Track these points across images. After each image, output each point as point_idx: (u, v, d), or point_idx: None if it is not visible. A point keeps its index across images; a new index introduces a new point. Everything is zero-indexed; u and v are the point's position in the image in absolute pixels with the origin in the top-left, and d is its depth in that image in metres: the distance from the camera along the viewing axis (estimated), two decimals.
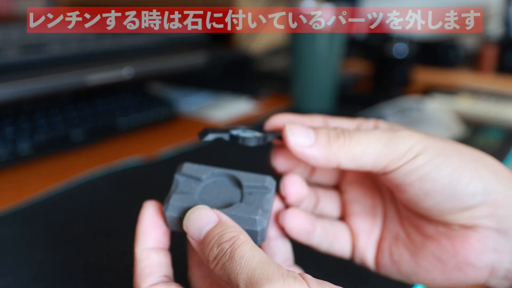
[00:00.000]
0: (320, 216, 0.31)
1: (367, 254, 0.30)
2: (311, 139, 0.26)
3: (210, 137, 0.27)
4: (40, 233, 0.37)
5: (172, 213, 0.25)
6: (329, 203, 0.31)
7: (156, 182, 0.46)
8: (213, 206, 0.25)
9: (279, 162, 0.30)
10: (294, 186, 0.28)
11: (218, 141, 0.28)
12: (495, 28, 1.11)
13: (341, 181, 0.32)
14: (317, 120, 0.29)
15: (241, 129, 0.28)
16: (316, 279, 0.21)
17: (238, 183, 0.26)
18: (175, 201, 0.25)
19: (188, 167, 0.26)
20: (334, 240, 0.30)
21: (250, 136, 0.28)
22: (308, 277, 0.21)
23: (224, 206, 0.25)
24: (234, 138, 0.27)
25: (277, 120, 0.29)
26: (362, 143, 0.26)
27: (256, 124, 0.66)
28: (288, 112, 0.30)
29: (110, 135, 0.60)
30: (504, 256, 0.26)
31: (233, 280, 0.21)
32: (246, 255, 0.21)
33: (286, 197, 0.28)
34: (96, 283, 0.32)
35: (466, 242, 0.26)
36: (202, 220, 0.23)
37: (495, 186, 0.25)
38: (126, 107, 0.63)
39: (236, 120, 0.70)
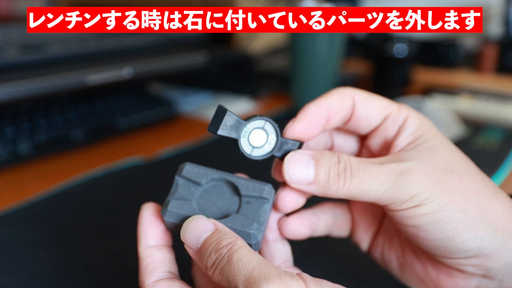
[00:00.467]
0: (324, 205, 0.31)
1: (362, 244, 0.31)
2: (311, 175, 0.26)
3: (220, 132, 0.26)
4: (40, 233, 0.37)
5: (170, 219, 0.25)
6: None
7: (156, 182, 0.46)
8: (210, 214, 0.25)
9: (278, 175, 0.28)
10: (289, 201, 0.28)
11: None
12: (495, 28, 1.11)
13: None
14: (343, 103, 0.28)
15: (259, 121, 0.27)
16: (314, 278, 0.21)
17: (237, 191, 0.26)
18: (173, 208, 0.25)
19: (189, 170, 0.26)
20: (334, 229, 0.31)
21: (256, 155, 0.27)
22: (306, 276, 0.21)
23: (222, 215, 0.26)
24: (241, 150, 0.27)
25: (296, 129, 0.27)
26: (363, 186, 0.25)
27: None
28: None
29: (110, 135, 0.60)
30: None
31: (231, 283, 0.21)
32: (243, 258, 0.21)
33: (282, 210, 0.28)
34: (96, 283, 0.32)
35: (450, 278, 0.27)
36: (199, 229, 0.24)
37: (490, 243, 0.25)
38: (126, 107, 0.63)
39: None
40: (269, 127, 0.27)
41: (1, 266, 0.33)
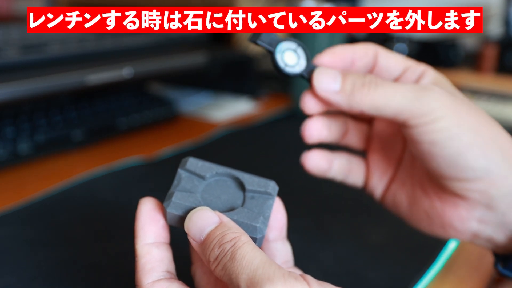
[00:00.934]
0: (345, 145, 0.34)
1: (376, 191, 0.34)
2: (337, 85, 0.28)
3: (260, 42, 0.29)
4: (40, 233, 0.37)
5: (173, 210, 0.25)
6: (356, 136, 0.34)
7: (156, 182, 0.46)
8: (214, 207, 0.25)
9: (309, 102, 0.31)
10: (314, 129, 0.31)
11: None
12: (495, 28, 1.11)
13: (374, 118, 0.34)
14: (366, 51, 0.31)
15: (293, 43, 0.30)
16: (317, 280, 0.21)
17: (241, 186, 0.26)
18: (178, 199, 0.25)
19: (193, 163, 0.26)
20: (349, 174, 0.34)
21: (288, 71, 0.30)
22: (309, 277, 0.21)
23: (226, 209, 0.25)
24: (276, 66, 0.30)
25: (324, 59, 0.31)
26: (387, 95, 0.27)
27: (256, 123, 0.66)
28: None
29: (110, 135, 0.60)
30: (488, 226, 0.28)
31: (234, 280, 0.21)
32: (247, 256, 0.21)
33: (305, 138, 0.32)
34: (96, 283, 0.32)
35: (454, 208, 0.29)
36: (203, 221, 0.23)
37: (498, 168, 0.27)
38: (126, 107, 0.63)
39: (236, 120, 0.70)
40: (301, 52, 0.30)
41: (1, 266, 0.33)
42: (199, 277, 0.28)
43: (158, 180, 0.46)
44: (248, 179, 0.26)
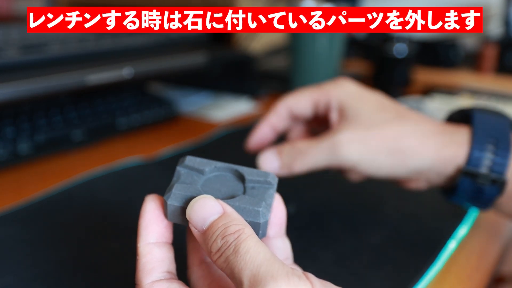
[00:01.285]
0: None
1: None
2: (277, 162, 0.38)
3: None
4: (40, 233, 0.37)
5: (174, 201, 0.24)
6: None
7: (156, 182, 0.46)
8: (215, 197, 0.25)
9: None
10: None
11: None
12: (495, 28, 1.11)
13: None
14: (280, 113, 0.41)
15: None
16: (319, 280, 0.21)
17: (241, 178, 0.26)
18: (178, 190, 0.24)
19: (191, 160, 0.26)
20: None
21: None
22: (312, 276, 0.21)
23: (227, 198, 0.25)
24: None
25: (254, 140, 0.42)
26: (313, 159, 0.36)
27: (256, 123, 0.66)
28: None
29: (110, 135, 0.60)
30: (431, 180, 0.38)
31: (236, 275, 0.21)
32: (251, 250, 0.21)
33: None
34: (96, 283, 0.32)
35: (408, 185, 0.39)
36: (206, 209, 0.23)
37: (414, 150, 0.36)
38: (126, 107, 0.63)
39: (236, 120, 0.70)
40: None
41: (1, 266, 0.33)
42: (193, 282, 0.27)
43: (158, 180, 0.46)
44: (247, 170, 0.26)
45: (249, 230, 0.22)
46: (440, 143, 0.35)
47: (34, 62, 0.54)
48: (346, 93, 0.38)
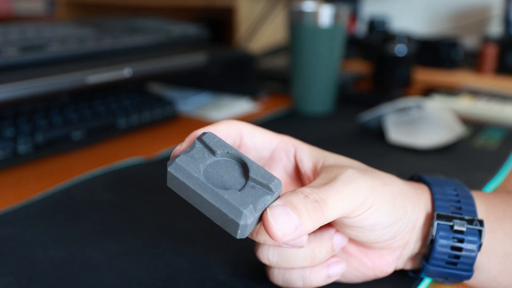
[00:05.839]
0: None
1: None
2: (295, 220, 0.25)
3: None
4: (40, 233, 0.37)
5: (172, 170, 0.25)
6: None
7: (156, 182, 0.46)
8: (211, 183, 0.25)
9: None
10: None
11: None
12: (495, 28, 1.11)
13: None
14: (229, 132, 0.30)
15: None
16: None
17: (246, 173, 0.26)
18: (181, 162, 0.25)
19: (210, 137, 0.27)
20: None
21: None
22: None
23: (222, 188, 0.25)
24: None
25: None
26: (335, 208, 0.26)
27: (256, 123, 0.66)
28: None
29: (110, 135, 0.60)
30: (402, 259, 0.32)
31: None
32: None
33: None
34: (96, 283, 0.32)
35: (382, 258, 0.31)
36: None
37: (408, 219, 0.30)
38: (126, 107, 0.63)
39: (236, 120, 0.70)
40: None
41: (1, 266, 0.33)
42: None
43: (158, 180, 0.46)
44: (255, 168, 0.26)
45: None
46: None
47: (34, 62, 0.54)
48: (311, 149, 0.32)
